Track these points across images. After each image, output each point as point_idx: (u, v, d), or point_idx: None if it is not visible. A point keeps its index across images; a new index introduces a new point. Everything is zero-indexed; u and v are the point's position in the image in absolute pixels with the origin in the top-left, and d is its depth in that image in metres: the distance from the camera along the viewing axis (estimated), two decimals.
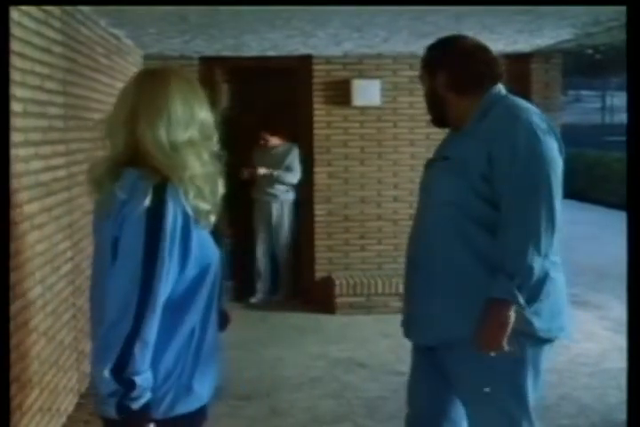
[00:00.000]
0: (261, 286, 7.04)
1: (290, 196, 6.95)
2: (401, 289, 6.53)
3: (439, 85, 2.56)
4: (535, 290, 2.38)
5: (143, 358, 1.73)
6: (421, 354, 2.68)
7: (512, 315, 2.33)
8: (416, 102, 6.80)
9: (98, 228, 1.91)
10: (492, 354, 2.35)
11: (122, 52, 5.54)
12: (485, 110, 2.48)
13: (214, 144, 1.93)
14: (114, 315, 1.74)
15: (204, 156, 1.88)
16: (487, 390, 2.46)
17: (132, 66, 5.97)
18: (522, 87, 6.51)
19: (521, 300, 2.33)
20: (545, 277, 2.40)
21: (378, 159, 6.95)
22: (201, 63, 6.78)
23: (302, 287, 7.01)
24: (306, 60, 6.81)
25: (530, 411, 2.52)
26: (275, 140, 6.92)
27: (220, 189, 1.93)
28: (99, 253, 1.89)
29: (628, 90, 2.58)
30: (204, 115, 1.90)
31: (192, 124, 1.86)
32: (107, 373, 1.71)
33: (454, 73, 2.52)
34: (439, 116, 2.65)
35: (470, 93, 2.52)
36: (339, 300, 6.66)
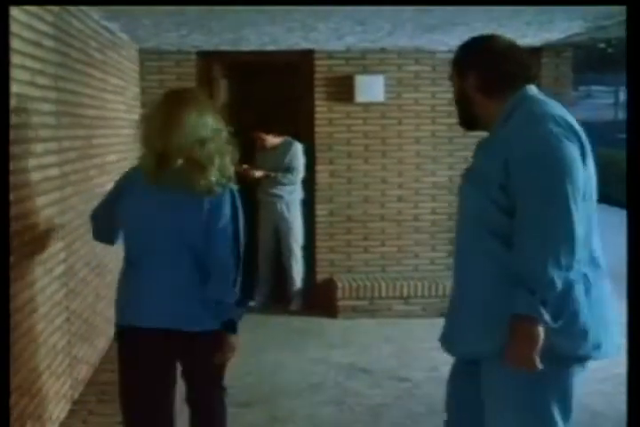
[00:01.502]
0: (261, 290, 7.01)
1: (296, 195, 6.86)
2: (405, 292, 6.58)
3: (468, 86, 2.57)
4: (560, 304, 2.34)
5: None
6: (461, 363, 2.71)
7: (540, 330, 2.30)
8: (421, 99, 6.82)
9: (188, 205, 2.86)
10: (528, 371, 2.33)
11: (116, 47, 5.55)
12: (508, 114, 2.49)
13: (225, 135, 2.97)
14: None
15: (222, 144, 2.95)
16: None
17: (126, 60, 5.98)
18: None
19: (546, 316, 2.29)
20: (569, 291, 2.36)
21: (382, 158, 6.95)
22: (198, 58, 6.79)
23: (303, 290, 7.00)
24: (307, 55, 6.82)
25: None
26: (272, 139, 6.82)
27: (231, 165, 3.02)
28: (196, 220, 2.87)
29: (629, 89, 2.61)
30: (213, 121, 2.91)
31: (211, 128, 2.90)
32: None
33: (483, 74, 2.53)
34: (467, 119, 2.66)
35: (498, 95, 2.53)
36: (341, 303, 6.66)
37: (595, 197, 2.45)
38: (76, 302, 4.14)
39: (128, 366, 2.98)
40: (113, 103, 5.39)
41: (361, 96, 6.81)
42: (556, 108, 2.49)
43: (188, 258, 2.86)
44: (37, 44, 3.53)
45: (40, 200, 3.55)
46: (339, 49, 6.76)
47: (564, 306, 2.36)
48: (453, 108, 2.69)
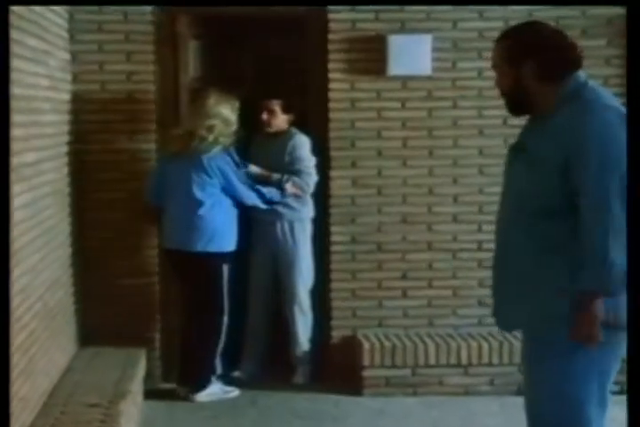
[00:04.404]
0: (251, 353, 7.05)
1: (305, 213, 6.91)
2: (464, 357, 6.59)
3: (524, 75, 3.69)
4: (620, 283, 3.52)
5: None
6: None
7: (601, 306, 3.53)
8: (487, 70, 6.78)
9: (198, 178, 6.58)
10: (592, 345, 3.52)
11: None
12: (565, 100, 3.63)
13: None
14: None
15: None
16: None
17: (49, 13, 5.96)
18: None
19: (611, 289, 3.51)
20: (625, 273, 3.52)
21: (428, 158, 6.98)
22: (158, 10, 6.78)
23: (312, 353, 7.03)
24: (317, 7, 6.86)
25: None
26: (282, 122, 6.86)
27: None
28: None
29: (628, 89, 3.61)
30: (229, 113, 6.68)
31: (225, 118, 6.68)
32: None
33: (541, 60, 3.66)
34: (520, 106, 3.82)
35: (554, 81, 3.67)
36: (368, 373, 6.69)
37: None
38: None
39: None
40: (31, 76, 5.39)
41: (397, 66, 6.84)
42: (610, 97, 3.65)
43: (209, 200, 6.49)
44: None
45: None
46: None
47: (623, 284, 3.52)
48: None
